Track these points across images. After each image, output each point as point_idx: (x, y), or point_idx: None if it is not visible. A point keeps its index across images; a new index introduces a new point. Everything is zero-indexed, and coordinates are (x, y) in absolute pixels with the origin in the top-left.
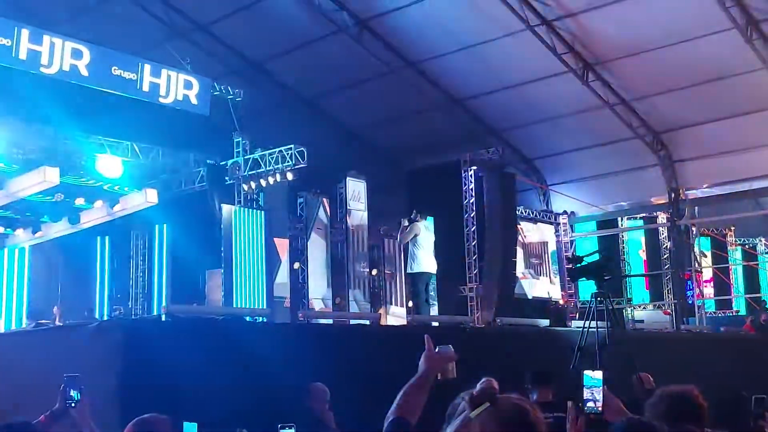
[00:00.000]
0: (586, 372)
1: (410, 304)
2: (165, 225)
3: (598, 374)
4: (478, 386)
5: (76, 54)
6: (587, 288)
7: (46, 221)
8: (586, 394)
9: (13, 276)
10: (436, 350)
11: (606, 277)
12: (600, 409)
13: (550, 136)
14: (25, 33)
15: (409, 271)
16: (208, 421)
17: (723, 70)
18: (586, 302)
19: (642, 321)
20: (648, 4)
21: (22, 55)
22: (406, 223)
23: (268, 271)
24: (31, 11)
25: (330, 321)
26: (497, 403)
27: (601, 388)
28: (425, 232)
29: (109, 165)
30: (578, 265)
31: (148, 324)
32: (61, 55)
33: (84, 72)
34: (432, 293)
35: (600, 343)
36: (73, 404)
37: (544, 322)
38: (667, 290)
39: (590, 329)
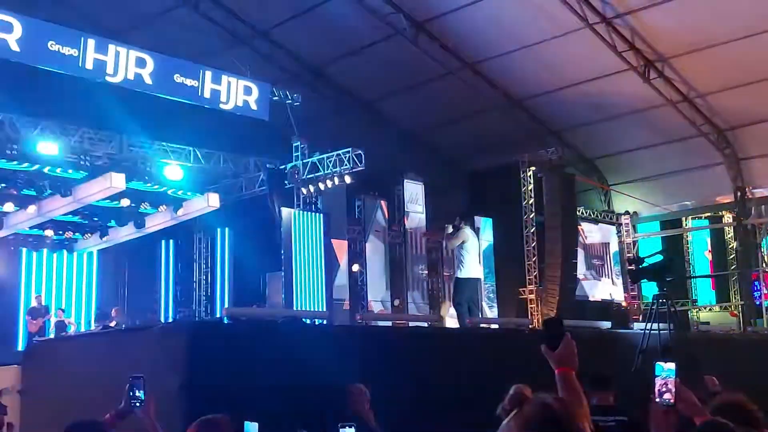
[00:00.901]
0: (658, 363)
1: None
2: (227, 229)
3: (671, 365)
4: (510, 393)
5: (140, 62)
6: (651, 289)
7: (113, 226)
8: (659, 385)
9: (82, 279)
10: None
11: (668, 279)
12: (673, 401)
13: (611, 135)
14: (91, 43)
15: (457, 276)
16: (269, 421)
17: None
18: (649, 304)
19: (708, 323)
20: None
21: (89, 65)
22: (450, 230)
23: (327, 273)
24: (95, 21)
25: (389, 323)
26: (522, 407)
27: (674, 379)
28: (472, 237)
29: (173, 170)
30: (639, 266)
31: (210, 326)
32: (125, 63)
33: (148, 80)
34: (492, 295)
35: (662, 346)
36: (138, 404)
37: (606, 324)
38: (734, 291)
39: (652, 331)
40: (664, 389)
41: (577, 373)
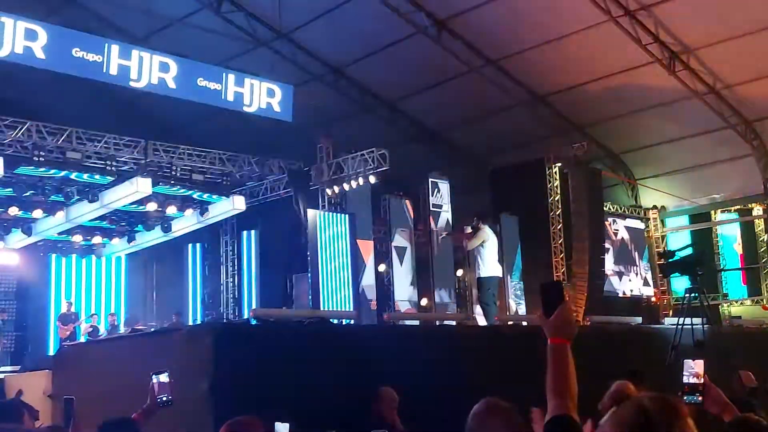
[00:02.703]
0: (686, 360)
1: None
2: (252, 231)
3: (700, 363)
4: (611, 389)
5: (164, 67)
6: (681, 284)
7: (140, 230)
8: (686, 383)
9: (110, 284)
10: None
11: (699, 272)
12: (700, 399)
13: (637, 128)
14: (114, 49)
15: (479, 275)
16: (297, 423)
17: None
18: (680, 299)
19: (739, 317)
20: None
21: (113, 71)
22: (470, 230)
23: (353, 273)
24: (118, 27)
25: (416, 322)
26: (621, 405)
27: (702, 377)
28: (491, 237)
29: (198, 174)
30: (670, 260)
31: (237, 328)
32: (149, 68)
33: (171, 84)
34: (519, 292)
35: (695, 340)
36: (165, 398)
37: (637, 320)
38: (766, 284)
39: (685, 326)
40: (690, 387)
41: (608, 366)
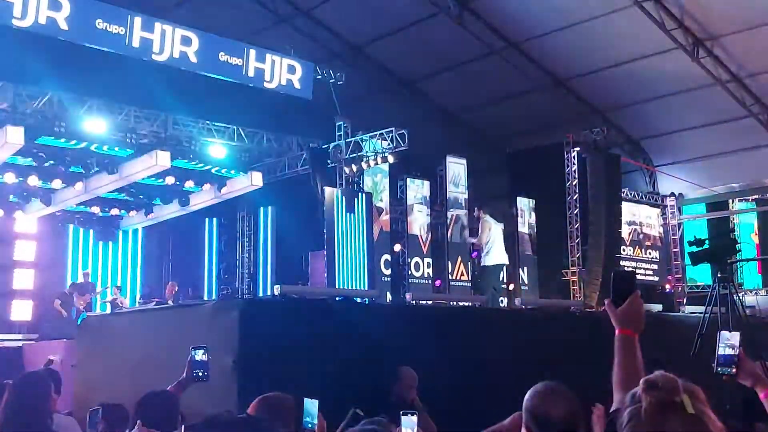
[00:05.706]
0: (722, 332)
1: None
2: (269, 207)
3: (736, 335)
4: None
5: (186, 41)
6: (697, 272)
7: (158, 203)
8: (721, 354)
9: (127, 256)
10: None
11: (729, 261)
12: (734, 371)
13: (658, 115)
14: (138, 21)
15: (484, 263)
16: (322, 400)
17: None
18: (694, 287)
19: (753, 307)
20: None
21: (135, 43)
22: (470, 215)
23: (369, 252)
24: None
25: (438, 302)
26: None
27: (737, 348)
28: (495, 225)
29: (217, 149)
30: (700, 248)
31: (263, 303)
32: (171, 42)
33: (193, 58)
34: (536, 278)
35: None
36: (201, 374)
37: (657, 307)
38: None
39: (712, 315)
40: (724, 358)
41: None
